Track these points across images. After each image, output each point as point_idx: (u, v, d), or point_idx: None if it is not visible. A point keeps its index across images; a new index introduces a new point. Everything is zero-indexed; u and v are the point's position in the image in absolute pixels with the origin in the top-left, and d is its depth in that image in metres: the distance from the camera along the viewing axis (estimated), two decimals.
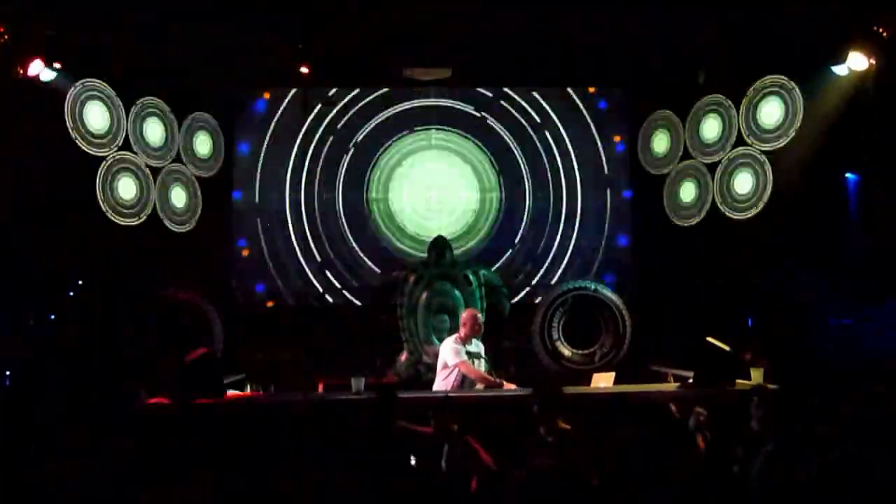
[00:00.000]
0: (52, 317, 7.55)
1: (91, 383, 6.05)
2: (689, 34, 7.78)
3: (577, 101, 9.52)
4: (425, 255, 8.42)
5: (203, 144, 8.86)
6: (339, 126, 9.33)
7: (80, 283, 7.83)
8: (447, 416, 4.52)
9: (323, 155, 9.37)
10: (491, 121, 9.48)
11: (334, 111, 9.30)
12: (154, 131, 8.33)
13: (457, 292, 7.93)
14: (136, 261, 7.76)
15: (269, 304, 9.11)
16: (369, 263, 9.26)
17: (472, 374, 5.93)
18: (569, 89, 9.50)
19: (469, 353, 6.04)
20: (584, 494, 4.00)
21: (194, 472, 4.16)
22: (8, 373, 6.85)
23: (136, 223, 8.03)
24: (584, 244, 9.45)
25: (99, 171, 7.75)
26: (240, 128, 9.26)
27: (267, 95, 9.27)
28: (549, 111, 9.51)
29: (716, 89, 8.49)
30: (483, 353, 6.17)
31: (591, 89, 9.54)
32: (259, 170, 9.27)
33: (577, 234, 9.45)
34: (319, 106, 9.26)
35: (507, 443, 4.35)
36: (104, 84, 7.73)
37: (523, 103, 9.49)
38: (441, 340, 6.47)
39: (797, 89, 7.77)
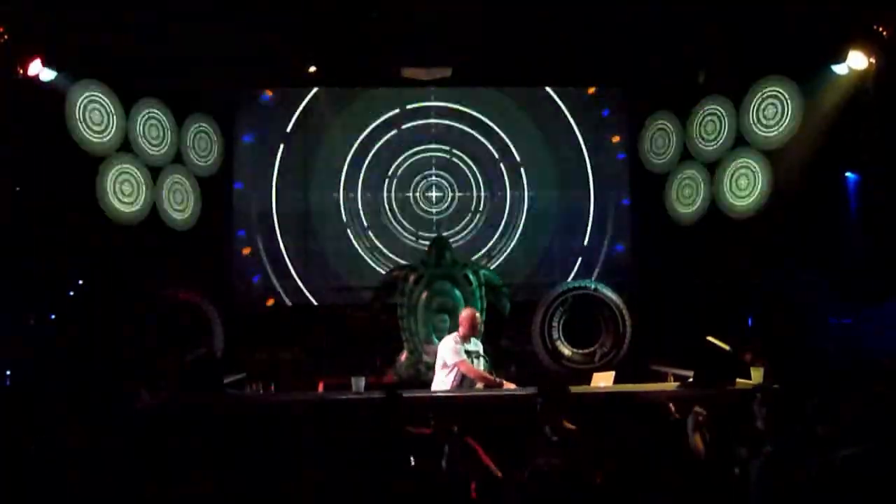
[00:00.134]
0: (53, 317, 7.55)
1: (91, 383, 6.05)
2: (689, 34, 7.79)
3: (578, 100, 9.54)
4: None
5: (203, 144, 8.87)
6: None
7: (80, 283, 7.83)
8: (447, 417, 4.52)
9: (323, 156, 9.41)
10: (491, 120, 9.49)
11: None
12: (154, 131, 8.34)
13: (457, 292, 7.93)
14: (136, 261, 7.76)
15: (269, 302, 9.11)
16: (369, 263, 9.28)
17: (471, 373, 5.93)
18: (570, 89, 9.53)
19: (468, 352, 6.04)
20: (587, 495, 3.99)
21: (194, 472, 4.16)
22: (8, 373, 6.85)
23: (136, 223, 8.03)
24: (585, 244, 9.46)
25: (99, 172, 7.75)
26: (240, 127, 9.27)
27: (270, 93, 9.27)
28: (550, 111, 9.52)
29: (716, 89, 8.49)
30: (482, 352, 6.17)
31: (591, 90, 9.56)
32: (259, 169, 9.29)
33: (577, 234, 9.46)
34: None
35: (510, 442, 4.34)
36: (104, 84, 7.73)
37: (524, 103, 9.52)
38: (441, 340, 6.48)
39: (797, 89, 7.77)
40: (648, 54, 8.27)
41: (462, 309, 7.23)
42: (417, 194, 9.47)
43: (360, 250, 9.32)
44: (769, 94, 8.01)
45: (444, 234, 8.92)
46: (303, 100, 9.33)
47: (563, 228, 9.50)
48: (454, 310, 7.69)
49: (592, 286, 8.31)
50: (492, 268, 8.85)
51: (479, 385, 5.97)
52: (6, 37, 6.54)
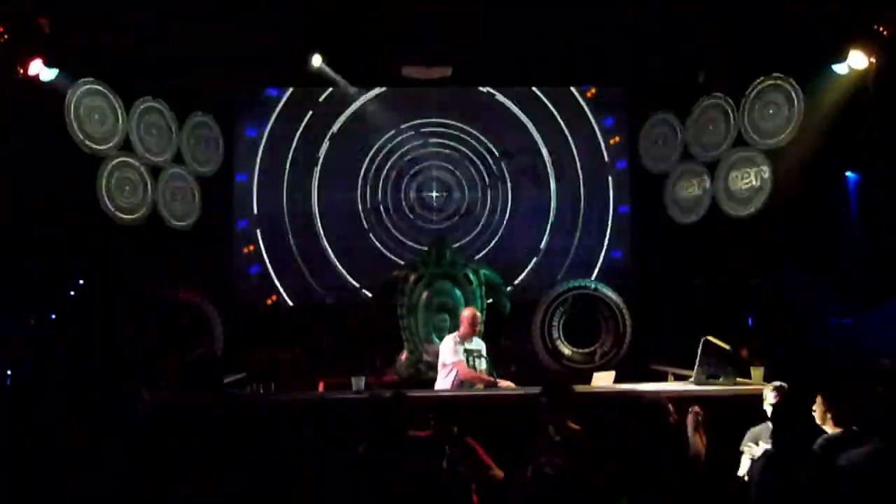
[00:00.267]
0: (53, 317, 7.55)
1: (91, 383, 6.05)
2: (689, 34, 7.78)
3: (578, 99, 9.55)
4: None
5: (203, 143, 8.86)
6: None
7: (80, 282, 7.83)
8: (447, 417, 4.51)
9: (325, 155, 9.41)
10: (491, 120, 9.49)
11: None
12: (154, 131, 8.33)
13: (457, 291, 7.93)
14: (136, 261, 7.76)
15: (272, 298, 9.12)
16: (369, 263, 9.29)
17: (466, 374, 5.92)
18: (571, 89, 9.53)
19: (469, 351, 6.04)
20: (589, 494, 3.99)
21: (194, 472, 4.16)
22: (8, 372, 6.85)
23: (136, 223, 8.03)
24: (585, 244, 9.46)
25: (99, 171, 7.75)
26: (241, 126, 9.28)
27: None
28: (549, 111, 9.53)
29: (716, 89, 8.48)
30: (484, 351, 6.17)
31: (592, 91, 9.57)
32: (259, 168, 9.30)
33: (577, 234, 9.46)
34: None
35: (511, 442, 4.33)
36: (104, 84, 7.73)
37: (524, 102, 9.52)
38: (441, 339, 6.48)
39: (797, 88, 7.76)
40: (648, 54, 8.26)
41: (462, 308, 7.25)
42: (419, 194, 9.47)
43: (359, 250, 9.33)
44: (769, 93, 8.00)
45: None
46: (303, 99, 9.35)
47: (564, 228, 9.50)
48: (454, 309, 7.70)
49: (593, 286, 8.31)
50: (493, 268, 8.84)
51: (480, 385, 5.97)
52: (6, 37, 6.54)
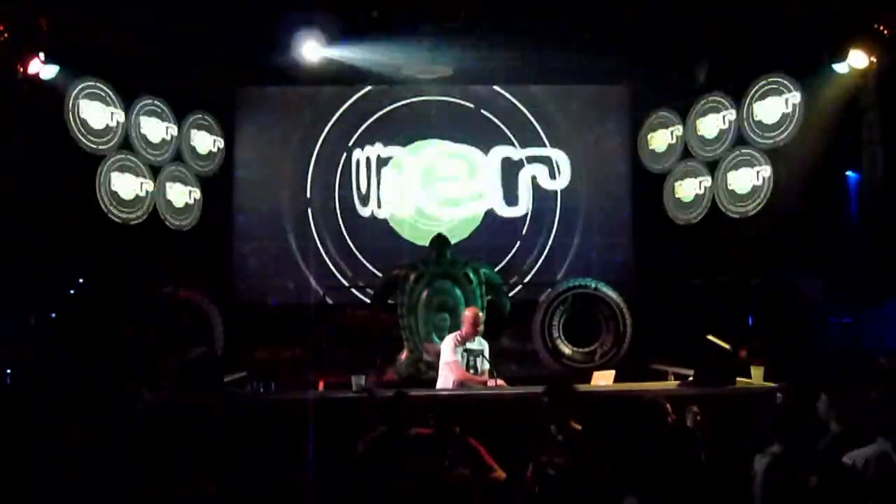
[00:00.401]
0: (53, 316, 7.54)
1: (91, 383, 6.05)
2: (689, 34, 7.78)
3: (579, 99, 9.55)
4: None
5: (203, 143, 8.86)
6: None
7: (81, 282, 7.82)
8: (448, 416, 4.51)
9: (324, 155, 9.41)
10: (491, 119, 9.49)
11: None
12: (154, 130, 8.33)
13: (457, 290, 7.92)
14: (136, 261, 7.76)
15: (271, 299, 9.13)
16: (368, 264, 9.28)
17: (459, 374, 5.91)
18: (571, 88, 9.54)
19: (470, 351, 6.04)
20: (590, 494, 3.99)
21: (194, 472, 4.16)
22: (8, 372, 6.85)
23: (135, 222, 8.03)
24: (585, 243, 9.46)
25: (99, 171, 7.75)
26: (241, 125, 9.28)
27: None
28: (551, 110, 9.52)
29: (716, 88, 8.48)
30: (487, 352, 6.16)
31: (592, 91, 9.57)
32: (259, 167, 9.30)
33: (578, 234, 9.46)
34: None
35: (513, 442, 4.33)
36: (104, 83, 7.72)
37: (524, 102, 9.52)
38: (441, 339, 6.47)
39: (798, 87, 7.76)
40: (648, 54, 8.26)
41: (462, 307, 7.25)
42: (420, 193, 9.47)
43: (360, 249, 9.32)
44: (770, 93, 8.00)
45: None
46: (302, 98, 9.35)
47: (564, 228, 9.50)
48: (454, 308, 7.69)
49: (593, 285, 8.30)
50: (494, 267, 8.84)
51: (476, 385, 5.96)
52: (6, 35, 6.53)
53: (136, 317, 7.52)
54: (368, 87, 9.35)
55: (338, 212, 9.38)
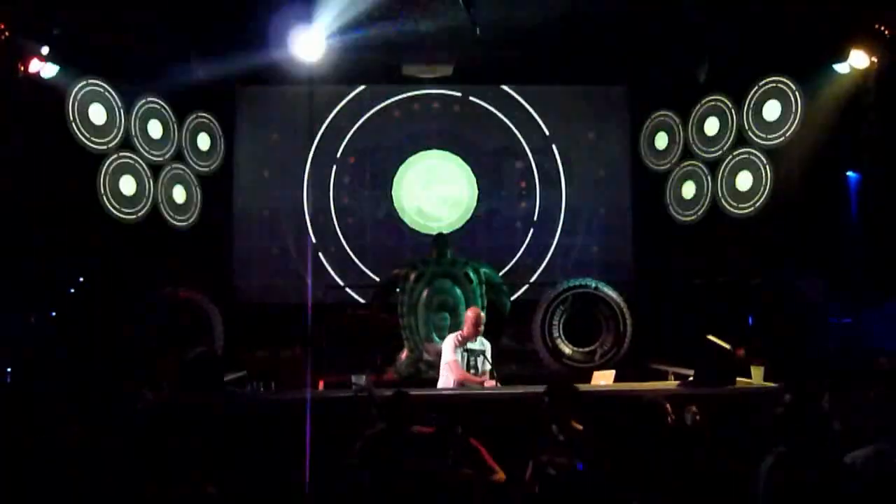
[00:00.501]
0: (53, 315, 7.54)
1: (91, 383, 6.05)
2: (691, 33, 7.77)
3: (579, 99, 9.55)
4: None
5: (203, 142, 8.86)
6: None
7: (81, 282, 7.82)
8: (449, 416, 4.51)
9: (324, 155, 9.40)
10: (491, 119, 9.48)
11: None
12: (154, 129, 8.33)
13: (457, 290, 7.93)
14: (136, 260, 7.76)
15: (271, 299, 9.13)
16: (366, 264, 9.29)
17: (457, 374, 5.91)
18: (571, 89, 9.53)
19: (471, 351, 6.04)
20: (591, 494, 3.99)
21: (194, 472, 4.16)
22: (9, 371, 6.85)
23: (136, 221, 8.03)
24: (585, 243, 9.46)
25: (99, 170, 7.75)
26: (241, 124, 9.28)
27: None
28: (551, 110, 9.53)
29: (717, 88, 8.49)
30: (489, 352, 6.16)
31: (593, 90, 9.57)
32: (260, 167, 9.30)
33: (578, 233, 9.46)
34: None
35: (514, 441, 4.33)
36: (104, 82, 7.72)
37: (524, 101, 9.52)
38: (441, 338, 6.48)
39: (798, 87, 7.76)
40: (648, 54, 8.25)
41: (462, 307, 7.25)
42: (420, 194, 9.47)
43: (360, 249, 9.32)
44: (770, 92, 7.99)
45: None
46: (302, 98, 9.34)
47: (564, 227, 9.50)
48: (455, 308, 7.70)
49: (593, 285, 8.30)
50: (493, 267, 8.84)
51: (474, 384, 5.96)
52: (7, 34, 6.53)
53: (136, 317, 7.52)
54: (368, 86, 9.34)
55: (336, 212, 9.37)
